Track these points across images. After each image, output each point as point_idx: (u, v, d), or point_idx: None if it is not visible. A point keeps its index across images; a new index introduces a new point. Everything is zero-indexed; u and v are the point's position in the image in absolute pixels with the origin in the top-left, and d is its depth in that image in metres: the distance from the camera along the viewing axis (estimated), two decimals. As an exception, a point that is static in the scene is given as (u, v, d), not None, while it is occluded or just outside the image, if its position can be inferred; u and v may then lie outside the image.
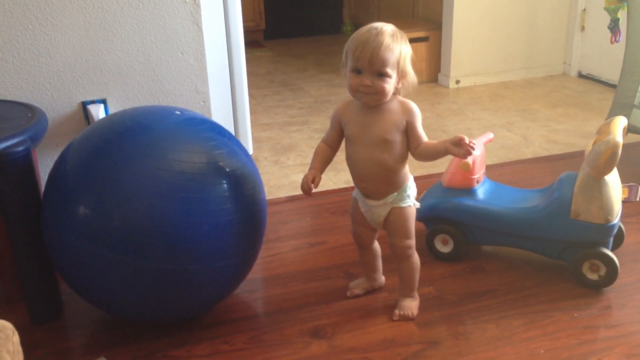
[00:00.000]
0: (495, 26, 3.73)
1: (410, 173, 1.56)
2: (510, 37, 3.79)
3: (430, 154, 1.47)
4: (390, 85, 1.42)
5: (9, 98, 1.86)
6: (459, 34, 3.67)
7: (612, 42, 2.54)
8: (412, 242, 1.57)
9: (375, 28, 1.42)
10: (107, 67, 1.95)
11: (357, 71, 1.42)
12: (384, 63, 1.39)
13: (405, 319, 1.60)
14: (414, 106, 1.48)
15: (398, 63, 1.41)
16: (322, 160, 1.53)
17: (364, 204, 1.57)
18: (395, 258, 1.60)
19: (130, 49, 1.95)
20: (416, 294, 1.64)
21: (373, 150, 1.48)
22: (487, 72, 3.80)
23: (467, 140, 1.36)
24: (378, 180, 1.51)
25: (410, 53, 1.45)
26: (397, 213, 1.54)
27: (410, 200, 1.55)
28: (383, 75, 1.40)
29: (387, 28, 1.42)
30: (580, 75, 3.87)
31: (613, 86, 3.36)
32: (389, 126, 1.46)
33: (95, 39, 1.91)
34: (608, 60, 3.59)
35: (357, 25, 5.47)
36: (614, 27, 2.48)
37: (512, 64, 3.84)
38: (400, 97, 1.49)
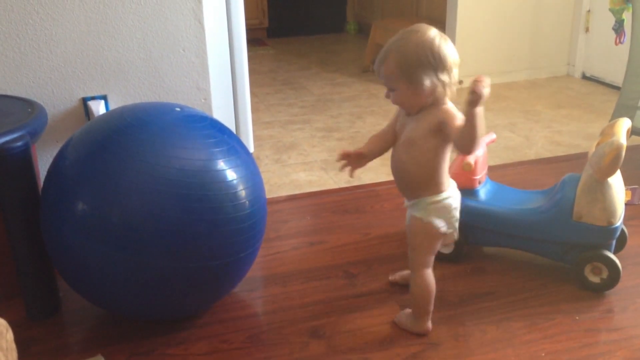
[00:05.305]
0: (499, 26, 3.72)
1: (450, 194, 1.47)
2: (514, 38, 3.77)
3: (465, 131, 1.30)
4: (405, 96, 1.39)
5: (9, 93, 1.86)
6: (463, 34, 3.66)
7: (616, 44, 2.52)
8: (417, 257, 1.49)
9: (397, 37, 1.39)
10: (107, 63, 1.94)
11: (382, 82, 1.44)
12: (387, 80, 1.40)
13: (396, 324, 1.58)
14: (451, 108, 1.39)
15: (408, 76, 1.35)
16: (371, 144, 1.52)
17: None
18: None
19: (132, 45, 1.94)
20: (423, 321, 1.53)
21: (400, 150, 1.47)
22: (490, 72, 3.78)
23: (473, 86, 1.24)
24: (401, 181, 1.50)
25: (433, 63, 1.34)
26: (411, 222, 1.49)
27: (427, 215, 1.45)
28: (393, 89, 1.40)
29: (404, 37, 1.37)
30: (584, 77, 3.85)
31: (617, 88, 3.34)
32: (420, 127, 1.42)
33: (96, 34, 1.90)
34: (612, 62, 3.57)
35: (360, 24, 5.46)
36: (618, 28, 2.47)
37: (516, 65, 3.82)
38: (445, 105, 1.39)
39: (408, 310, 1.58)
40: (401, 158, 1.47)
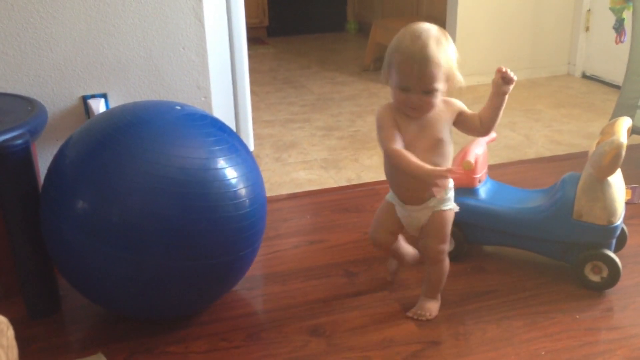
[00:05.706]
0: (499, 26, 3.72)
1: None
2: (514, 37, 3.77)
3: (490, 113, 1.44)
4: (438, 98, 1.39)
5: (9, 91, 1.86)
6: (463, 33, 3.66)
7: (617, 43, 2.52)
8: (447, 246, 1.56)
9: (419, 37, 1.34)
10: (108, 62, 1.94)
11: (405, 88, 1.37)
12: (432, 80, 1.35)
13: (420, 318, 1.58)
14: (455, 100, 1.48)
15: (446, 72, 1.37)
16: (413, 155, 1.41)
17: (402, 209, 1.53)
18: (427, 260, 1.57)
19: (132, 44, 1.94)
20: (439, 296, 1.62)
21: (428, 154, 1.41)
22: (491, 71, 3.74)
23: (502, 70, 1.37)
24: (426, 186, 1.43)
25: (456, 55, 1.40)
26: (439, 217, 1.50)
27: (451, 203, 1.53)
28: (432, 91, 1.36)
29: (431, 36, 1.35)
30: (585, 76, 3.85)
31: (617, 87, 3.34)
32: (442, 125, 1.44)
33: (97, 32, 1.90)
34: (612, 61, 3.57)
35: (360, 24, 5.46)
36: (619, 27, 2.47)
37: (516, 64, 3.82)
38: (444, 97, 1.45)
39: (426, 302, 1.59)
40: (434, 162, 1.41)
